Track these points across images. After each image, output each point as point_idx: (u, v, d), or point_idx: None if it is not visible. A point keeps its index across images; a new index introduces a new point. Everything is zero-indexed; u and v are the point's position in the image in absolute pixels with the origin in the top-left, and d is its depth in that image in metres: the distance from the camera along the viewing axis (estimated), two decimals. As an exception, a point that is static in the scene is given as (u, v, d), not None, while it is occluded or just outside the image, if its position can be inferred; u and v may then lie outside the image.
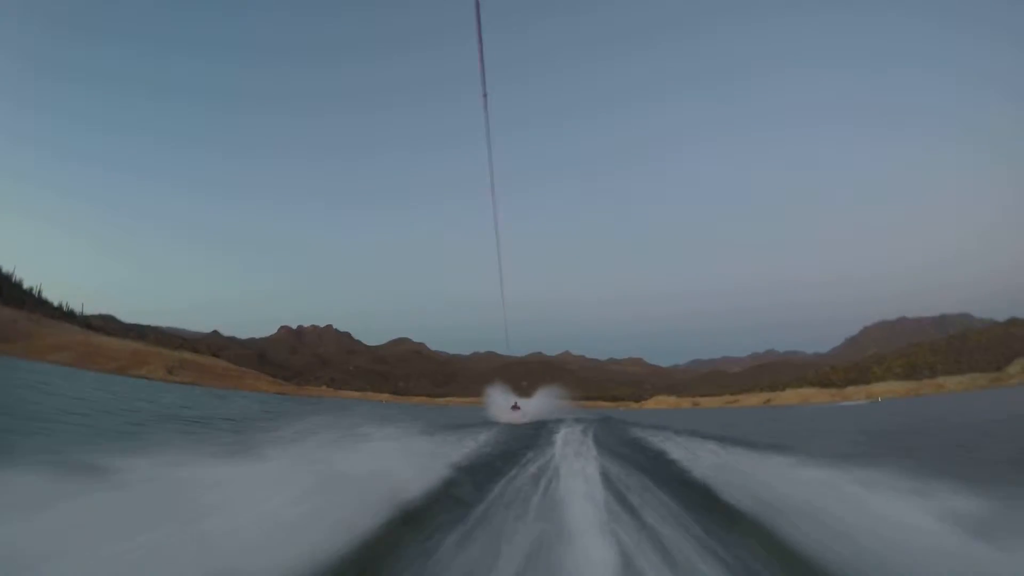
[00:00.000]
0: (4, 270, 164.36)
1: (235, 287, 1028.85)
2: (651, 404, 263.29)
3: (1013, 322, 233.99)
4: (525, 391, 37.52)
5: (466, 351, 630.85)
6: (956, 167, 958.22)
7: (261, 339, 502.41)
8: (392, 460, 6.35)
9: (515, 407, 28.38)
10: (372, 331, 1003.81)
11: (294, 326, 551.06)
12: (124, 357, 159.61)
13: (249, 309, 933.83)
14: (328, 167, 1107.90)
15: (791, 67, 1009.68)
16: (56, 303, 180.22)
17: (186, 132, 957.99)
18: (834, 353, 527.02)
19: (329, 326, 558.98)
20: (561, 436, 11.82)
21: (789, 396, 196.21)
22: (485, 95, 6.08)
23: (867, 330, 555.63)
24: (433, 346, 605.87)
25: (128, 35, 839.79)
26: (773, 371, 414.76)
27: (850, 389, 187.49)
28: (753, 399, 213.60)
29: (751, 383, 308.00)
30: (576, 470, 6.88)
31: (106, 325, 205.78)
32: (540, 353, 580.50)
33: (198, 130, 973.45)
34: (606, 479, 6.09)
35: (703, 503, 5.16)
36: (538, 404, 30.99)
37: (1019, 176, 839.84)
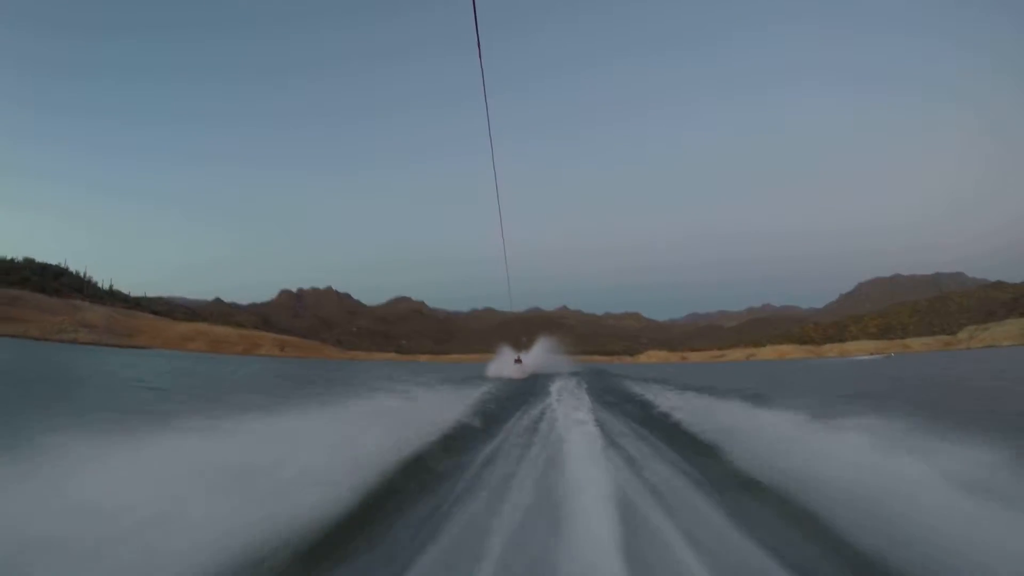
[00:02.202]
0: (73, 270, 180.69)
1: (231, 253, 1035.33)
2: (643, 359, 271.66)
3: (997, 285, 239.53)
4: (524, 346, 39.02)
5: (464, 308, 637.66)
6: (951, 129, 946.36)
7: (263, 304, 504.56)
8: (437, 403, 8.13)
9: (518, 360, 30.27)
10: (371, 291, 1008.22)
11: (294, 289, 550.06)
12: (241, 341, 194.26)
13: (248, 275, 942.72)
14: (316, 132, 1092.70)
15: (794, 27, 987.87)
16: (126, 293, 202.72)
17: (174, 109, 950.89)
18: (829, 308, 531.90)
19: (329, 288, 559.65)
20: (556, 386, 12.61)
21: (768, 352, 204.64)
22: (479, 44, 5.93)
23: (861, 286, 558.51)
24: (432, 304, 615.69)
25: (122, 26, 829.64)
26: (767, 325, 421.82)
27: (827, 346, 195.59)
28: (737, 354, 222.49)
29: (745, 337, 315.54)
30: (571, 413, 7.76)
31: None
32: (538, 308, 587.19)
33: (190, 106, 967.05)
34: (596, 420, 6.87)
35: (687, 444, 6.07)
36: (537, 357, 33.67)
37: (1012, 141, 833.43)
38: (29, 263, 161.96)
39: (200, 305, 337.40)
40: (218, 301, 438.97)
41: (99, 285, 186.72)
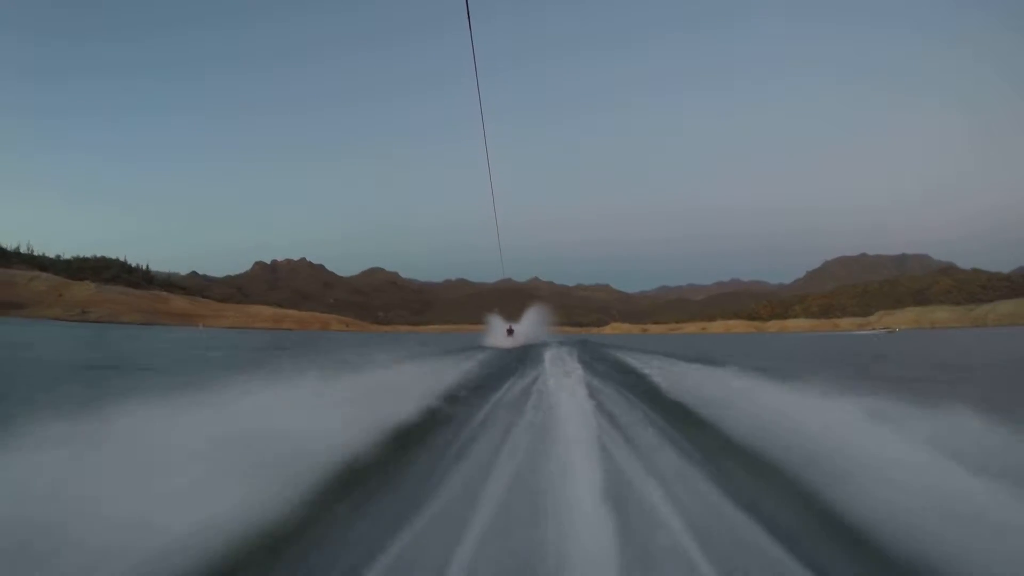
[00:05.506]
0: (130, 261, 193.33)
1: (201, 224, 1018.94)
2: (608, 330, 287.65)
3: (947, 269, 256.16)
4: (503, 316, 38.18)
5: (438, 278, 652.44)
6: (925, 116, 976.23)
7: (237, 276, 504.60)
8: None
9: (510, 331, 29.90)
10: (344, 261, 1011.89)
11: (268, 261, 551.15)
12: (316, 321, 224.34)
13: (219, 245, 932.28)
14: (281, 110, 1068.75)
15: (771, 18, 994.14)
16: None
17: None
18: (795, 284, 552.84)
19: (303, 259, 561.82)
20: (549, 354, 12.89)
21: (718, 326, 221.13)
22: (468, 15, 5.35)
23: (828, 264, 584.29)
24: (406, 274, 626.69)
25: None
26: (734, 300, 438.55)
27: (770, 323, 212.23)
28: (693, 327, 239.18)
29: (710, 311, 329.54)
30: (563, 376, 7.95)
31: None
32: (509, 280, 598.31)
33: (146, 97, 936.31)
34: (588, 385, 6.97)
35: (659, 401, 5.97)
36: (527, 328, 33.21)
37: (987, 133, 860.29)
38: (104, 260, 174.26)
39: (177, 278, 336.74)
40: (194, 274, 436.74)
41: (139, 267, 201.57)
